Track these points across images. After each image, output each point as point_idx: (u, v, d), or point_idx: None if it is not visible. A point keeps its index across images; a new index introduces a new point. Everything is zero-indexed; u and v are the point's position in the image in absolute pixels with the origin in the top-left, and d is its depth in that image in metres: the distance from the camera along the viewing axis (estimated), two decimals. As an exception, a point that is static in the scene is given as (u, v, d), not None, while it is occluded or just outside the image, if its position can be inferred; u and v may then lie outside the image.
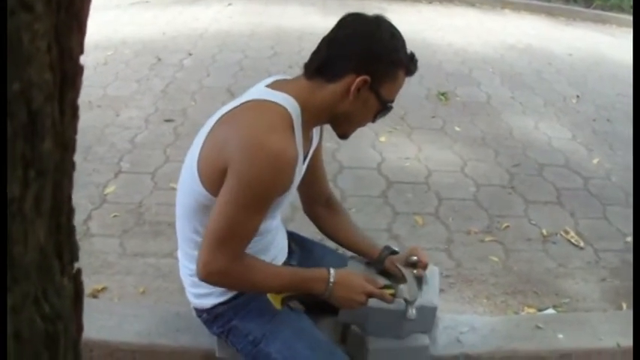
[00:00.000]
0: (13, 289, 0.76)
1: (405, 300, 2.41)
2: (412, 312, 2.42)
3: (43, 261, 0.81)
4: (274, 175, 2.07)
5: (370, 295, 2.34)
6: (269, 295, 2.34)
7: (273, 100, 2.17)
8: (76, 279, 0.90)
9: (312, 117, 2.24)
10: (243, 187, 2.06)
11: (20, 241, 0.76)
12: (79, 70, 0.82)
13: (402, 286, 2.43)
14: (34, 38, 0.71)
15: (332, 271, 2.30)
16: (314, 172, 2.60)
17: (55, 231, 0.83)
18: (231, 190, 2.07)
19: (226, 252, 2.11)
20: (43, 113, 0.75)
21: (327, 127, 2.46)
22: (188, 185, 2.27)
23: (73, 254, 0.88)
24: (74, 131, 0.85)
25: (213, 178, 2.14)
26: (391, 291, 2.40)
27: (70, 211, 0.87)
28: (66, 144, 0.82)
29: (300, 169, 2.31)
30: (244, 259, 2.20)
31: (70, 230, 0.87)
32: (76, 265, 0.90)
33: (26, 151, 0.74)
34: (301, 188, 2.57)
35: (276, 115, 2.13)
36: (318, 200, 2.72)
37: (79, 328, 0.94)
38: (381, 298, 2.37)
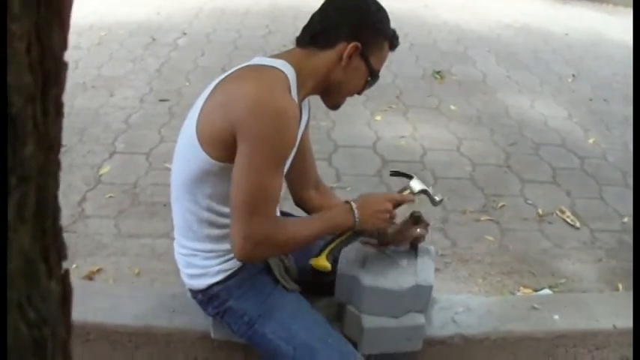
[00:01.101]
0: None
1: (424, 191, 2.55)
2: (437, 196, 2.60)
3: (27, 267, 0.78)
4: (284, 131, 2.09)
5: (394, 201, 2.43)
6: (313, 263, 2.38)
7: (269, 64, 2.23)
8: (64, 280, 0.88)
9: (306, 83, 2.29)
10: (259, 149, 2.07)
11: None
12: (62, 67, 0.80)
13: (412, 182, 2.54)
14: (12, 40, 0.69)
15: (349, 201, 2.37)
16: (303, 155, 2.60)
17: (40, 235, 0.80)
18: (248, 156, 2.07)
19: (262, 218, 2.11)
20: (24, 116, 0.73)
21: (315, 110, 2.48)
22: (186, 155, 2.26)
23: (61, 255, 0.86)
24: (59, 130, 0.82)
25: (216, 141, 2.14)
26: (407, 191, 2.51)
27: (56, 212, 0.85)
28: (50, 144, 0.80)
29: (297, 136, 2.33)
30: (277, 219, 2.24)
31: (57, 232, 0.85)
32: (64, 266, 0.88)
33: (7, 157, 0.72)
34: (291, 174, 2.57)
35: (274, 76, 2.18)
36: (307, 185, 2.72)
37: (68, 329, 0.92)
38: (403, 200, 2.47)
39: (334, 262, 2.46)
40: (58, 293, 0.86)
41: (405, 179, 2.61)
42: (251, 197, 2.08)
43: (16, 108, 0.71)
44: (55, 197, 0.84)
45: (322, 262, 2.37)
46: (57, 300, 0.87)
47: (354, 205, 2.33)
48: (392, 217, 2.44)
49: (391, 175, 2.77)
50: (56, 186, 0.84)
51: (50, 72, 0.77)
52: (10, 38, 0.69)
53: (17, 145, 0.73)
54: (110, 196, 4.24)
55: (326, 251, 2.38)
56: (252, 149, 2.06)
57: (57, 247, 0.85)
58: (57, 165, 0.83)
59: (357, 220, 2.32)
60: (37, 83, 0.74)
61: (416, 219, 2.59)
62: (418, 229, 2.61)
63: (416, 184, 2.53)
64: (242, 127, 2.06)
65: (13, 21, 0.69)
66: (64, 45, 0.79)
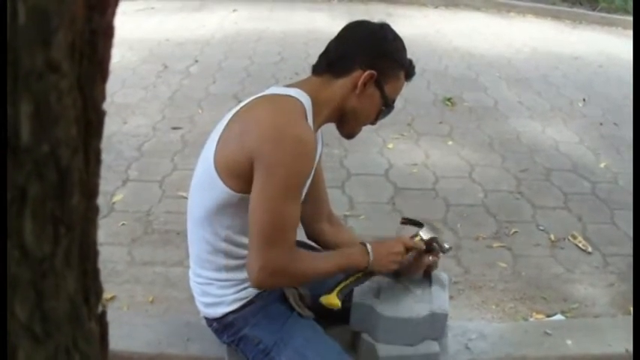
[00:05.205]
0: (47, 343, 0.76)
1: (433, 239, 2.58)
2: (445, 244, 2.64)
3: (72, 311, 0.80)
4: (302, 159, 2.10)
5: (406, 245, 2.46)
6: (323, 300, 2.38)
7: (285, 93, 2.25)
8: (102, 320, 0.90)
9: (322, 111, 2.29)
10: (277, 178, 2.07)
11: (53, 296, 0.75)
12: (102, 116, 0.82)
13: (422, 231, 2.58)
14: (61, 96, 0.70)
15: (364, 242, 2.40)
16: (316, 186, 2.61)
17: (82, 278, 0.82)
18: (265, 185, 2.08)
19: (281, 247, 2.12)
20: (72, 169, 0.75)
21: (328, 138, 2.49)
22: (204, 187, 2.28)
23: (99, 296, 0.88)
24: (98, 176, 0.84)
25: (234, 172, 2.15)
26: (418, 238, 2.55)
27: (96, 255, 0.86)
28: (91, 192, 0.81)
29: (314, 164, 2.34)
30: (294, 251, 2.23)
31: (96, 273, 0.87)
32: (101, 307, 0.90)
33: (56, 208, 0.73)
34: (303, 206, 2.58)
35: (290, 104, 2.19)
36: (320, 217, 2.72)
37: None
38: (414, 246, 2.51)
39: (343, 300, 2.47)
40: (97, 333, 0.88)
41: (415, 228, 2.66)
42: (268, 226, 2.09)
43: (65, 160, 0.73)
44: (95, 242, 0.86)
45: (333, 300, 2.37)
46: (97, 340, 0.88)
47: (369, 247, 2.35)
48: (403, 261, 2.47)
49: (402, 223, 2.79)
50: (95, 231, 0.86)
51: (92, 123, 0.78)
52: (59, 95, 0.70)
53: (65, 197, 0.75)
54: (123, 224, 4.26)
55: (337, 289, 2.39)
56: (269, 176, 2.07)
57: (96, 288, 0.87)
58: (96, 211, 0.85)
59: (372, 262, 2.35)
60: (81, 134, 0.76)
61: (428, 246, 2.60)
62: (430, 257, 2.62)
63: (425, 233, 2.57)
64: (259, 154, 2.07)
65: (62, 78, 0.70)
66: (103, 96, 0.81)
